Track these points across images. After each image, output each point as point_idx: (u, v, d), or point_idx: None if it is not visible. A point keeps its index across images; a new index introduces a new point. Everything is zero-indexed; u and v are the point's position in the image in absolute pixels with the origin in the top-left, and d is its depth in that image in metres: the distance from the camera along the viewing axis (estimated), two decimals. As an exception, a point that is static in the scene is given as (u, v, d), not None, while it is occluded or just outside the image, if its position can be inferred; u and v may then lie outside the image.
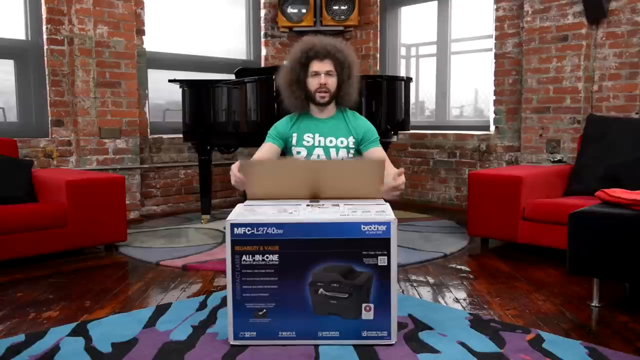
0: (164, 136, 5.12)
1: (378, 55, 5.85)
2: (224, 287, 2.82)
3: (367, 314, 2.05)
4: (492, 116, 5.01)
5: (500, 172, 3.70)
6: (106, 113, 4.58)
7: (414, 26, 5.81)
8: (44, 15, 4.37)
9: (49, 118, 4.45)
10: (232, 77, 4.81)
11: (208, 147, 4.47)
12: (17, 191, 3.52)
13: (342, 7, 5.66)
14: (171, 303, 2.60)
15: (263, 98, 4.06)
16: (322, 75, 2.61)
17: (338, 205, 2.21)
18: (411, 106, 5.07)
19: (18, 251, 3.27)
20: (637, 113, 4.05)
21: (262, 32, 5.83)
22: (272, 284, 2.04)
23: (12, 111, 4.42)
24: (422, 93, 5.81)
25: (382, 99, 4.13)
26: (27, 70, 4.41)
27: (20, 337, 2.18)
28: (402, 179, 2.33)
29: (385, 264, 2.03)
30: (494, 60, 4.92)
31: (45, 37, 4.38)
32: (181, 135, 4.63)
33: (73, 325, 2.31)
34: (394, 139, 4.39)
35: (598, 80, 4.23)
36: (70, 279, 3.06)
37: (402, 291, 2.80)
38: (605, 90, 4.20)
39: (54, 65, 4.42)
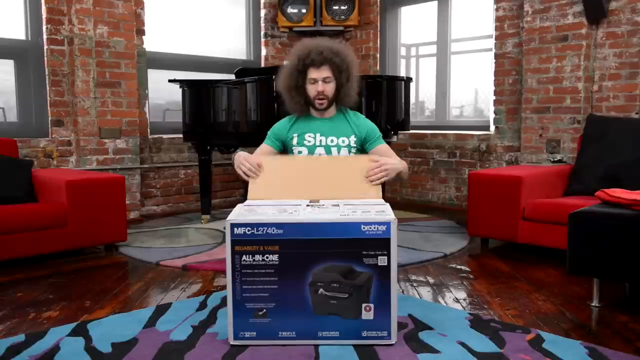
0: (164, 136, 5.12)
1: (378, 55, 5.85)
2: (224, 287, 2.82)
3: (367, 314, 2.05)
4: (492, 116, 5.01)
5: (500, 172, 3.70)
6: (106, 113, 4.58)
7: (414, 26, 5.81)
8: (44, 15, 4.37)
9: (49, 118, 4.45)
10: (232, 77, 4.81)
11: (208, 147, 4.47)
12: (17, 191, 3.52)
13: (342, 7, 5.66)
14: (171, 303, 2.60)
15: (263, 98, 4.06)
16: (319, 83, 2.59)
17: (338, 205, 2.21)
18: (411, 106, 5.08)
19: (18, 251, 3.27)
20: (637, 113, 4.05)
21: (262, 32, 5.83)
22: (272, 284, 2.04)
23: (12, 111, 4.42)
24: (422, 93, 5.81)
25: (382, 99, 4.13)
26: (27, 70, 4.41)
27: (20, 337, 2.18)
28: (376, 172, 2.37)
29: (385, 264, 2.03)
30: (494, 60, 4.92)
31: (45, 37, 4.38)
32: (181, 135, 4.63)
33: (73, 325, 2.31)
34: (394, 139, 4.40)
35: (598, 80, 4.23)
36: (70, 279, 3.06)
37: (402, 291, 2.80)
38: (605, 90, 4.20)
39: (54, 65, 4.42)
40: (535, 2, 4.38)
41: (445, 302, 2.65)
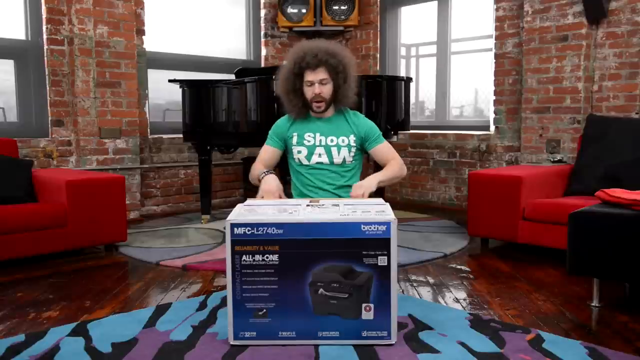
0: (164, 136, 5.12)
1: (378, 55, 5.85)
2: (224, 287, 2.82)
3: (367, 314, 2.05)
4: (492, 116, 5.00)
5: (500, 172, 3.70)
6: (106, 113, 4.58)
7: (414, 26, 5.80)
8: (44, 15, 4.37)
9: (49, 118, 4.45)
10: (232, 77, 4.81)
11: (208, 147, 4.47)
12: (17, 191, 3.52)
13: (342, 7, 5.66)
14: (171, 303, 2.60)
15: (263, 98, 4.06)
16: (316, 85, 2.58)
17: (338, 205, 2.21)
18: (411, 106, 5.07)
19: (18, 251, 3.27)
20: (637, 113, 4.05)
21: (262, 32, 5.83)
22: (272, 284, 2.04)
23: (12, 111, 4.42)
24: (422, 93, 5.81)
25: (382, 99, 4.13)
26: (27, 70, 4.41)
27: (20, 337, 2.18)
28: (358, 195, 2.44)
29: (385, 264, 2.03)
30: (494, 60, 4.92)
31: (45, 37, 4.38)
32: (181, 135, 4.62)
33: (73, 325, 2.31)
34: (394, 139, 4.40)
35: (598, 80, 4.23)
36: (70, 279, 3.06)
37: (402, 291, 2.80)
38: (605, 90, 4.20)
39: (54, 65, 4.42)
40: (535, 2, 4.38)
41: (445, 302, 2.65)
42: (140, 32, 4.87)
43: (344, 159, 2.66)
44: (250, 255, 2.03)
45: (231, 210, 2.15)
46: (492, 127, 4.99)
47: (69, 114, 4.51)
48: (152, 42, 5.03)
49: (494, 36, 4.91)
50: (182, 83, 4.45)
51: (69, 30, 4.43)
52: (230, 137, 4.34)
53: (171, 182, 5.16)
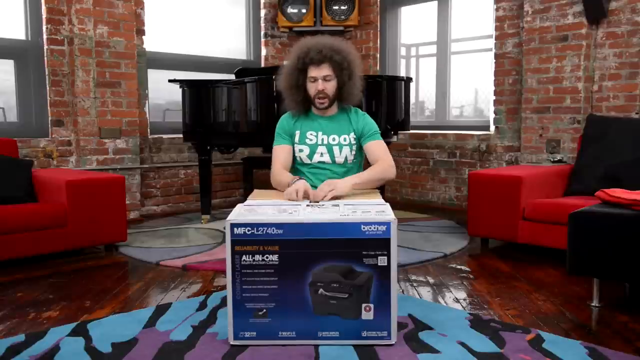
0: (164, 136, 5.12)
1: (378, 55, 5.85)
2: (224, 287, 2.82)
3: (367, 314, 2.05)
4: (492, 116, 5.01)
5: (500, 172, 3.70)
6: (106, 113, 4.58)
7: (414, 26, 5.80)
8: (44, 15, 4.37)
9: (49, 118, 4.45)
10: (232, 77, 4.80)
11: (208, 147, 4.47)
12: (17, 191, 3.52)
13: (342, 7, 5.66)
14: (171, 303, 2.60)
15: (263, 98, 4.06)
16: (319, 81, 2.55)
17: (338, 205, 2.21)
18: (411, 106, 5.07)
19: (18, 251, 3.27)
20: (637, 113, 4.05)
21: (262, 32, 5.83)
22: (272, 284, 2.04)
23: (12, 111, 4.42)
24: (422, 93, 5.81)
25: (382, 99, 4.13)
26: (27, 70, 4.41)
27: (20, 337, 2.18)
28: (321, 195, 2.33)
29: (385, 264, 2.03)
30: (494, 60, 4.92)
31: (45, 37, 4.38)
32: (181, 135, 4.62)
33: (73, 325, 2.31)
34: (394, 139, 4.39)
35: (598, 80, 4.23)
36: (70, 279, 3.06)
37: (402, 291, 2.80)
38: (605, 90, 4.20)
39: (54, 65, 4.42)
40: (535, 2, 4.38)
41: (445, 302, 2.65)
42: (140, 32, 4.87)
43: (346, 157, 2.64)
44: (250, 255, 2.03)
45: (231, 210, 2.15)
46: (492, 127, 4.99)
47: (69, 114, 4.51)
48: (152, 42, 5.03)
49: (494, 36, 4.91)
50: (182, 83, 4.45)
51: (69, 30, 4.43)
52: (230, 137, 4.34)
53: (171, 182, 5.16)
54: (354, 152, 2.66)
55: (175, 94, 4.78)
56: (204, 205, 4.55)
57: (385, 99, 4.15)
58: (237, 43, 5.77)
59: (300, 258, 2.03)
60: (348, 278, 2.03)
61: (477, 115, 5.48)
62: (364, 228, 2.02)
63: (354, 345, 2.05)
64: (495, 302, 2.65)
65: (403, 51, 5.94)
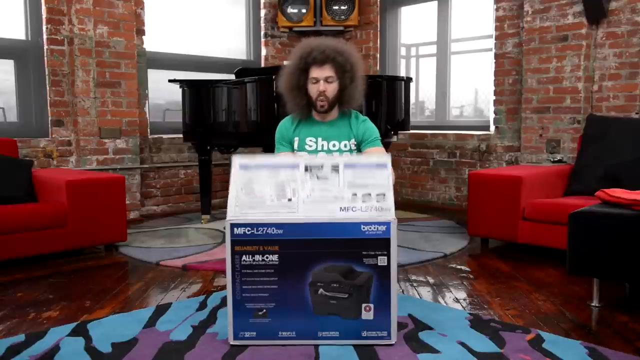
0: (164, 136, 5.12)
1: (378, 55, 5.85)
2: (224, 287, 2.82)
3: (367, 314, 2.05)
4: (492, 116, 5.01)
5: (500, 172, 3.70)
6: (106, 113, 4.58)
7: (414, 26, 5.81)
8: (44, 15, 4.37)
9: (49, 118, 4.45)
10: (232, 77, 4.81)
11: (208, 147, 4.47)
12: (17, 191, 3.52)
13: (342, 7, 5.66)
14: (171, 303, 2.60)
15: (263, 98, 4.06)
16: (321, 82, 2.50)
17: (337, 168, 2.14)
18: (411, 106, 5.07)
19: (18, 251, 3.27)
20: (637, 113, 4.05)
21: (262, 32, 5.83)
22: (272, 284, 2.04)
23: (12, 111, 4.42)
24: (422, 93, 5.81)
25: (382, 99, 4.13)
26: (27, 70, 4.41)
27: (20, 337, 2.18)
28: None
29: (385, 264, 2.03)
30: (494, 60, 4.92)
31: (45, 37, 4.38)
32: (181, 135, 4.63)
33: (73, 325, 2.31)
34: (394, 139, 4.39)
35: (598, 80, 4.23)
36: (70, 279, 3.06)
37: (402, 291, 2.80)
38: (605, 90, 4.20)
39: (54, 65, 4.42)
40: (535, 2, 4.38)
41: (445, 302, 2.65)
42: (140, 32, 4.87)
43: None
44: (250, 255, 2.03)
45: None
46: (492, 127, 4.99)
47: (69, 114, 4.51)
48: (152, 42, 5.03)
49: (494, 36, 4.91)
50: (182, 83, 4.45)
51: (69, 30, 4.43)
52: (230, 137, 4.34)
53: (171, 182, 5.16)
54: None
55: (175, 94, 4.78)
56: (204, 205, 4.55)
57: (385, 99, 4.15)
58: (237, 43, 5.77)
59: (300, 258, 2.03)
60: (348, 278, 2.03)
61: (477, 115, 5.48)
62: (363, 228, 2.02)
63: (354, 345, 2.05)
64: (495, 302, 2.65)
65: (403, 51, 5.94)
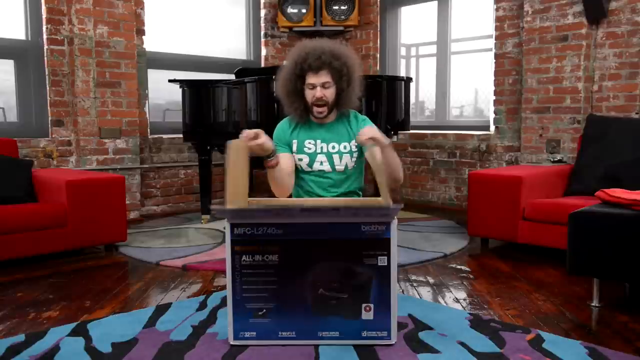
0: (164, 136, 5.12)
1: (378, 55, 5.85)
2: (224, 287, 2.82)
3: (367, 314, 2.05)
4: (492, 116, 5.00)
5: (500, 172, 3.70)
6: (106, 113, 4.58)
7: (414, 26, 5.81)
8: (44, 15, 4.37)
9: (49, 118, 4.45)
10: (232, 77, 4.81)
11: (208, 147, 4.47)
12: (17, 191, 3.52)
13: (342, 7, 5.66)
14: (171, 303, 2.60)
15: (263, 98, 4.06)
16: (318, 88, 2.46)
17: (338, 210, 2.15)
18: (411, 106, 5.07)
19: (18, 251, 3.27)
20: (637, 113, 4.05)
21: (262, 32, 5.83)
22: (272, 284, 2.04)
23: (12, 111, 4.42)
24: (422, 93, 5.81)
25: (382, 99, 4.13)
26: (27, 70, 4.41)
27: (20, 337, 2.18)
28: (366, 138, 2.25)
29: (385, 264, 2.03)
30: (494, 60, 4.92)
31: (45, 37, 4.38)
32: (181, 135, 4.63)
33: (73, 325, 2.31)
34: (394, 139, 4.39)
35: (598, 80, 4.23)
36: (70, 279, 3.06)
37: (402, 291, 2.80)
38: (605, 90, 4.20)
39: (54, 65, 4.42)
40: (535, 2, 4.38)
41: (445, 302, 2.65)
42: (140, 32, 4.88)
43: (346, 165, 2.55)
44: (250, 255, 2.03)
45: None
46: (492, 127, 4.99)
47: (69, 114, 4.51)
48: (152, 42, 5.03)
49: (494, 36, 4.91)
50: (182, 83, 4.45)
51: (69, 30, 4.43)
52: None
53: (171, 182, 5.16)
54: (354, 159, 2.56)
55: (175, 94, 4.78)
56: (204, 205, 4.55)
57: (385, 99, 4.15)
58: (237, 43, 5.77)
59: (300, 258, 2.03)
60: (348, 278, 2.03)
61: (477, 115, 5.48)
62: (363, 228, 2.02)
63: (354, 345, 2.05)
64: (495, 302, 2.65)
65: (403, 51, 5.94)
